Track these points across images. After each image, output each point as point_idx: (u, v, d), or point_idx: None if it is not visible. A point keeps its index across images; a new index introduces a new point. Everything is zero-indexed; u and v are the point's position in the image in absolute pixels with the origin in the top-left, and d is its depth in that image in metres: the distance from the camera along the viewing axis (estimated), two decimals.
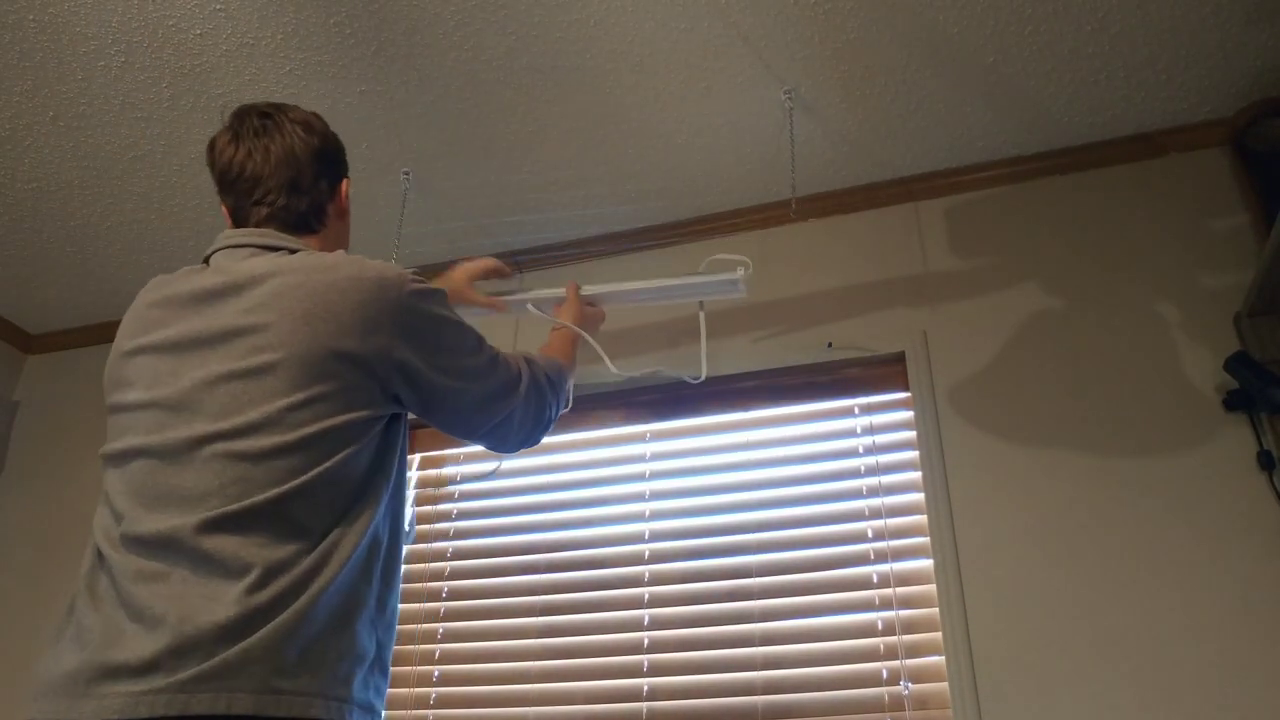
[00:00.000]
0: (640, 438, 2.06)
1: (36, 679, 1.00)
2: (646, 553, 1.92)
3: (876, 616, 1.71)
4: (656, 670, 1.80)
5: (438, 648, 1.98)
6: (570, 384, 1.50)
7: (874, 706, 1.65)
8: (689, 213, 2.19)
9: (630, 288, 1.77)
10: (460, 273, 1.72)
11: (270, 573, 0.97)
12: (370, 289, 1.10)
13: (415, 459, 2.23)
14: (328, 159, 1.27)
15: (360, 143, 1.97)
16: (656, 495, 1.98)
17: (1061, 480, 1.70)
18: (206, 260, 1.20)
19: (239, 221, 1.23)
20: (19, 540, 2.40)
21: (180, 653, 0.92)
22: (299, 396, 1.03)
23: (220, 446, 1.01)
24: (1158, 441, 1.68)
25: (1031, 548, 1.67)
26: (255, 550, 0.97)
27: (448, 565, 2.07)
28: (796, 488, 1.88)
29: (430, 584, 2.05)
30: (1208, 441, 1.66)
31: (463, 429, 1.26)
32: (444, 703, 1.91)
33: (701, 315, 1.82)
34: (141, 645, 0.94)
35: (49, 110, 1.89)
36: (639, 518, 1.96)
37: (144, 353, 1.12)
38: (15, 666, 2.24)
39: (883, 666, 1.67)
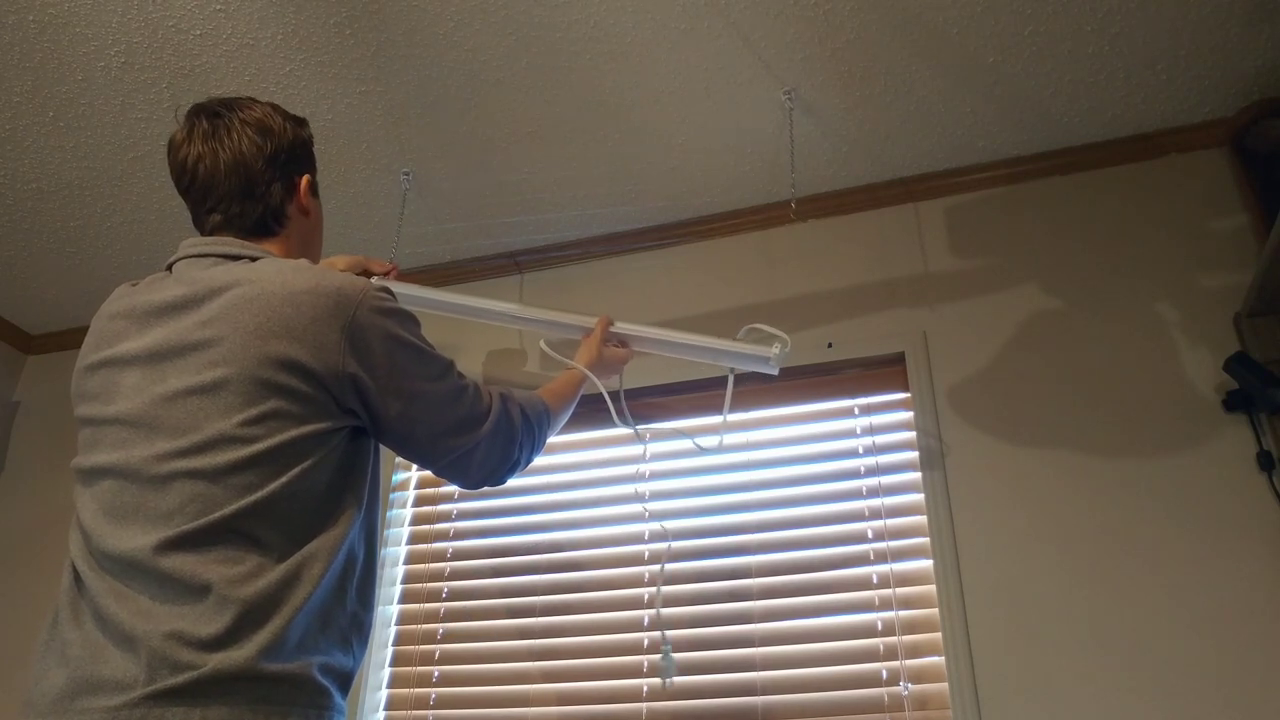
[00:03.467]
0: (640, 437, 2.06)
1: (26, 694, 1.01)
2: (646, 553, 1.92)
3: (876, 617, 1.71)
4: (657, 670, 1.80)
5: (438, 648, 1.98)
6: (552, 428, 1.45)
7: (874, 707, 1.65)
8: (689, 213, 2.19)
9: (663, 337, 1.70)
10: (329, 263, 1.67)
11: (230, 588, 0.97)
12: (327, 303, 1.07)
13: None
14: (281, 159, 1.23)
15: (360, 143, 1.97)
16: (656, 496, 1.98)
17: (1061, 480, 1.70)
18: (170, 268, 1.18)
19: (198, 226, 1.23)
20: (19, 540, 2.40)
21: (153, 666, 0.93)
22: (253, 412, 1.02)
23: (180, 464, 1.01)
24: (1158, 441, 1.68)
25: (1031, 548, 1.67)
26: (213, 568, 0.97)
27: (448, 565, 2.07)
28: (796, 488, 1.88)
29: (430, 584, 2.05)
30: (1208, 441, 1.66)
31: (417, 456, 1.22)
32: (444, 703, 1.91)
33: (730, 380, 1.70)
34: (119, 661, 0.95)
35: (49, 110, 1.89)
36: (638, 518, 1.96)
37: (106, 366, 1.11)
38: (15, 666, 2.24)
39: (882, 667, 1.67)
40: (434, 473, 1.26)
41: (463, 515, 2.12)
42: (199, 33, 1.73)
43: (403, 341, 1.14)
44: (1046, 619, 1.61)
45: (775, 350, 1.63)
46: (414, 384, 1.15)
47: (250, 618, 0.96)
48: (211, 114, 1.22)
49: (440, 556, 2.08)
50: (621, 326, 1.72)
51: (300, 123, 1.30)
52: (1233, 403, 1.65)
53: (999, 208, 2.00)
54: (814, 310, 2.02)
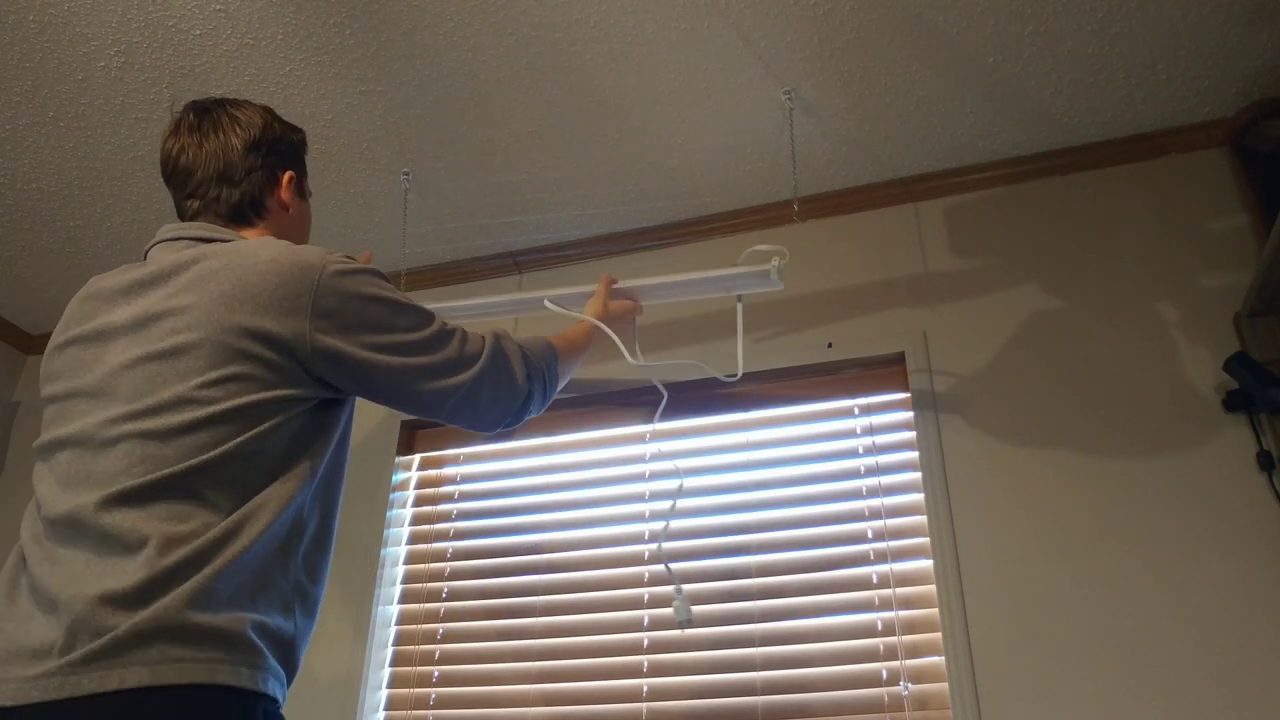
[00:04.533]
0: (640, 438, 2.06)
1: None
2: (646, 553, 1.92)
3: (876, 617, 1.71)
4: (656, 670, 1.80)
5: (438, 648, 1.98)
6: (563, 368, 1.46)
7: (874, 707, 1.65)
8: (689, 213, 2.19)
9: (663, 281, 1.75)
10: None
11: (169, 545, 0.95)
12: (290, 270, 1.08)
13: (415, 459, 2.23)
14: (263, 149, 1.25)
15: (360, 143, 1.97)
16: (656, 496, 1.98)
17: (1061, 480, 1.70)
18: (146, 255, 1.19)
19: (180, 215, 1.25)
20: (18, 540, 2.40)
21: (71, 633, 0.91)
22: (213, 375, 1.02)
23: (131, 426, 1.01)
24: (1158, 441, 1.68)
25: (1031, 548, 1.67)
26: (155, 524, 0.96)
27: (448, 565, 2.07)
28: (796, 488, 1.88)
29: (430, 584, 2.05)
30: (1208, 441, 1.66)
31: (416, 406, 1.21)
32: (444, 703, 1.91)
33: (739, 309, 1.76)
34: (42, 630, 0.93)
35: (49, 110, 1.89)
36: (639, 518, 1.96)
37: (72, 344, 1.12)
38: None
39: (882, 667, 1.67)
40: (443, 420, 1.27)
41: (463, 515, 2.12)
42: (199, 33, 1.73)
43: (373, 297, 1.14)
44: (1046, 619, 1.61)
45: (774, 263, 1.67)
46: (394, 336, 1.15)
47: (181, 570, 0.94)
48: (200, 109, 1.26)
49: (440, 556, 2.08)
50: (624, 283, 1.76)
51: (292, 128, 1.33)
52: (1233, 403, 1.65)
53: (999, 208, 2.00)
54: (814, 310, 2.02)
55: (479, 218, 2.21)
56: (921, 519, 1.77)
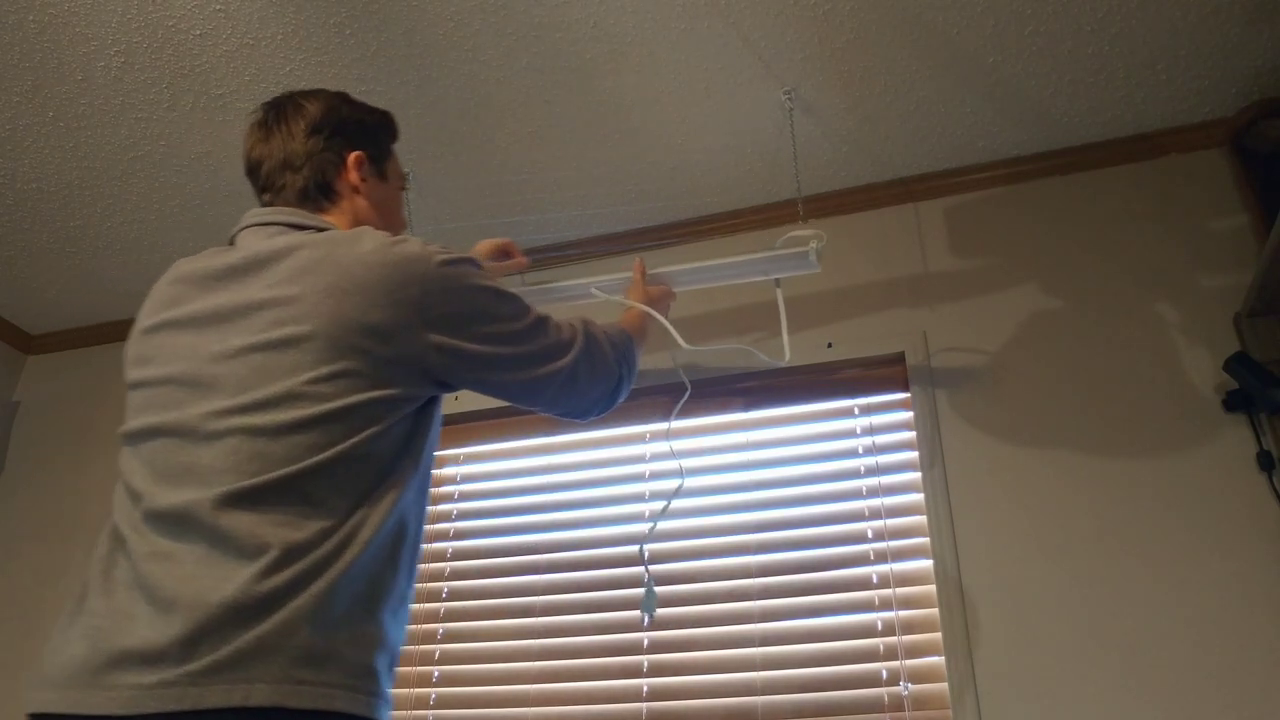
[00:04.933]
0: (640, 438, 2.06)
1: (39, 667, 0.96)
2: (647, 553, 1.92)
3: (876, 617, 1.71)
4: (656, 670, 1.80)
5: (438, 648, 1.98)
6: (639, 353, 1.45)
7: (874, 707, 1.65)
8: (689, 213, 2.19)
9: (699, 266, 1.73)
10: (474, 252, 1.68)
11: (290, 554, 0.92)
12: (398, 263, 1.05)
13: None
14: (324, 132, 1.23)
15: None
16: (656, 496, 1.98)
17: (1061, 480, 1.70)
18: (232, 241, 1.17)
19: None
20: (19, 540, 2.40)
21: (192, 640, 0.87)
22: (324, 370, 0.99)
23: (238, 421, 0.97)
24: (1158, 441, 1.68)
25: (1031, 548, 1.67)
26: (272, 529, 0.92)
27: (448, 565, 2.07)
28: (796, 488, 1.88)
29: (430, 584, 2.05)
30: (1208, 441, 1.66)
31: (523, 396, 1.21)
32: (444, 703, 1.91)
33: (779, 293, 1.74)
34: (152, 631, 0.89)
35: (49, 110, 1.89)
36: (639, 518, 1.96)
37: (163, 329, 1.09)
38: (16, 666, 2.24)
39: (882, 667, 1.67)
40: (543, 407, 1.26)
41: (463, 515, 2.12)
42: (199, 33, 1.73)
43: (479, 287, 1.13)
44: (1046, 619, 1.61)
45: (813, 245, 1.66)
46: (499, 325, 1.14)
47: (301, 581, 0.91)
48: (270, 104, 1.27)
49: (440, 556, 2.08)
50: (659, 269, 1.75)
51: (367, 109, 1.31)
52: (1233, 403, 1.65)
53: (999, 208, 2.00)
54: (814, 310, 2.02)
55: (479, 218, 2.21)
56: (921, 519, 1.77)
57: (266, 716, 0.86)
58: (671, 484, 1.97)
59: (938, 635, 1.66)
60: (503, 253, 1.71)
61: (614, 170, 2.05)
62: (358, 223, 1.23)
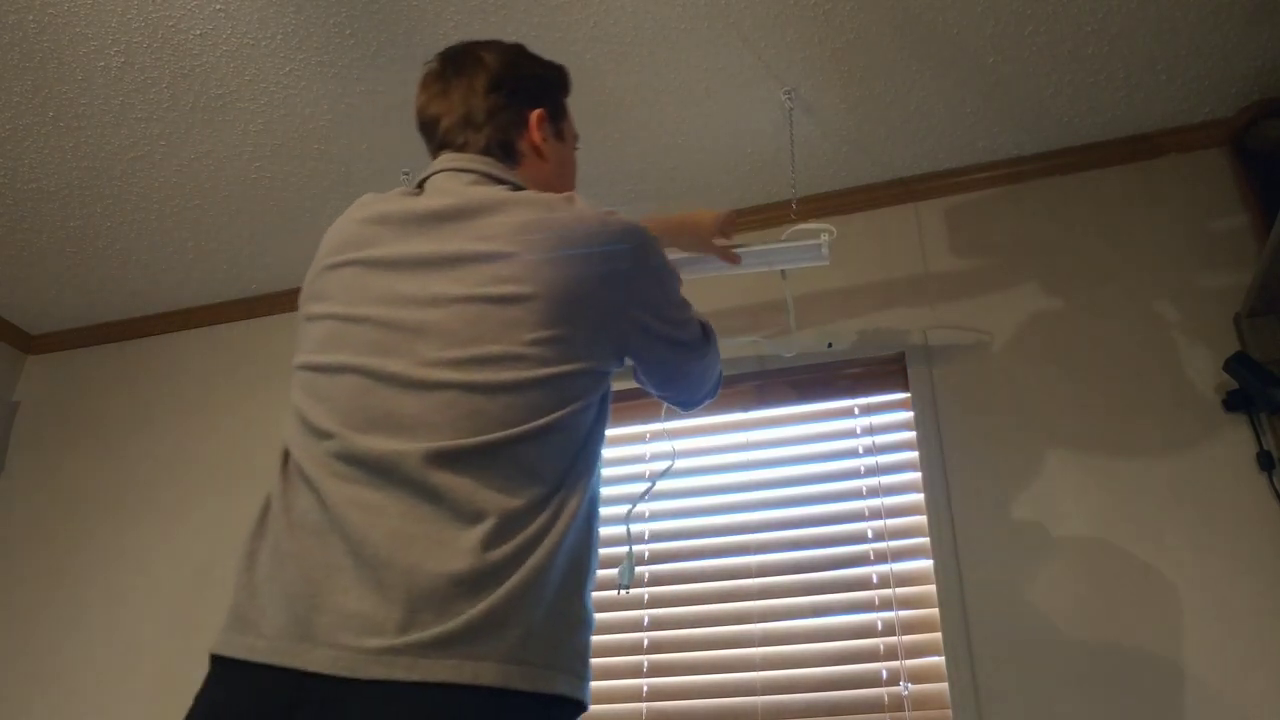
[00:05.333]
0: (640, 438, 2.06)
1: (236, 611, 0.91)
2: (646, 553, 1.92)
3: (876, 617, 1.71)
4: (656, 670, 1.80)
5: None
6: None
7: (873, 707, 1.65)
8: None
9: (707, 256, 1.72)
10: (709, 221, 1.61)
11: (507, 523, 0.88)
12: (615, 236, 1.03)
13: None
14: (506, 90, 1.17)
15: (360, 143, 1.97)
16: (656, 496, 1.98)
17: (1061, 480, 1.70)
18: (420, 185, 1.13)
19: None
20: (19, 540, 2.40)
21: (413, 607, 0.83)
22: (542, 334, 0.96)
23: (455, 375, 0.93)
24: (1158, 442, 1.68)
25: (1031, 548, 1.67)
26: (490, 495, 0.88)
27: None
28: (796, 488, 1.88)
29: None
30: (1208, 441, 1.66)
31: (668, 378, 1.19)
32: None
33: (786, 286, 1.74)
34: (366, 590, 0.85)
35: (49, 110, 1.89)
36: (640, 518, 1.96)
37: (353, 266, 1.04)
38: (16, 666, 2.24)
39: (882, 667, 1.67)
40: (673, 393, 1.24)
41: None
42: (199, 33, 1.73)
43: (670, 270, 1.12)
44: (1046, 619, 1.61)
45: (824, 239, 1.65)
46: (680, 311, 1.14)
47: (520, 555, 0.87)
48: (447, 55, 1.21)
49: None
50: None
51: (546, 64, 1.25)
52: (1233, 403, 1.65)
53: (999, 208, 2.00)
54: (814, 310, 2.02)
55: None
56: (921, 519, 1.76)
57: (493, 697, 0.83)
58: (673, 484, 1.97)
59: (938, 635, 1.66)
60: (729, 224, 1.66)
61: (614, 170, 2.05)
62: (539, 185, 1.17)
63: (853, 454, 1.87)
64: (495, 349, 0.94)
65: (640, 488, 2.00)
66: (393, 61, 1.78)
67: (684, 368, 1.19)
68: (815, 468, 1.89)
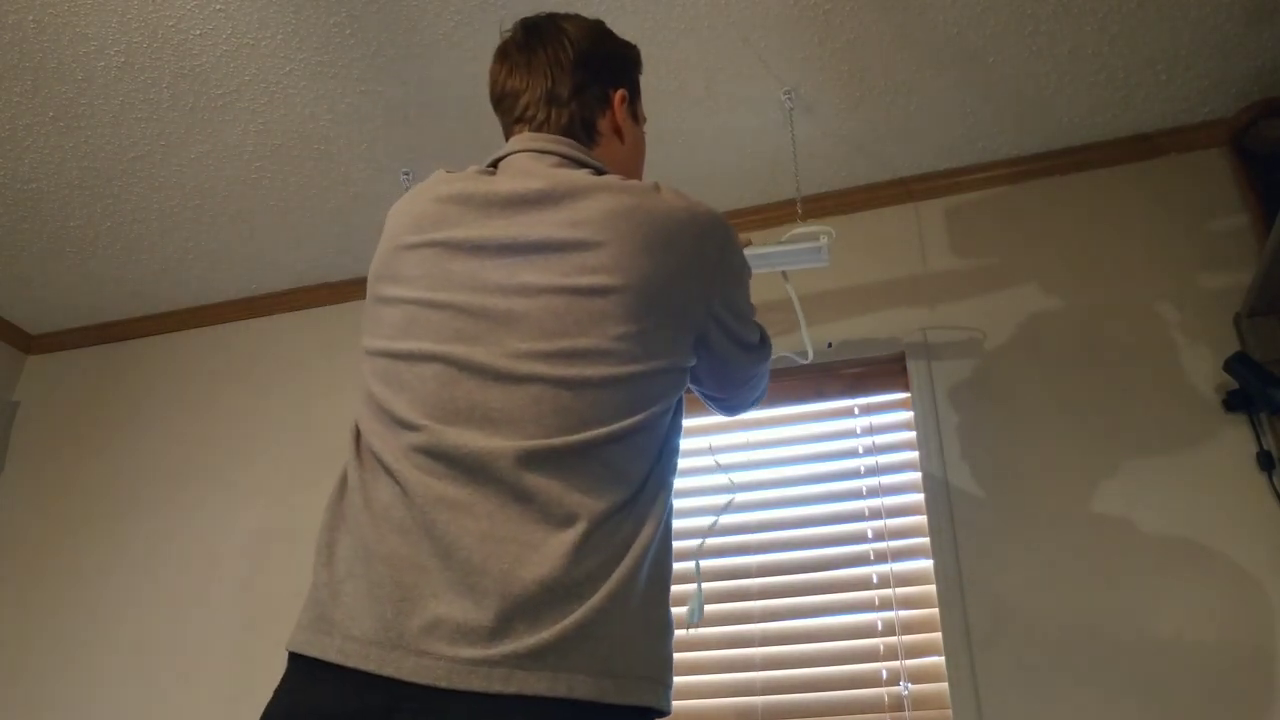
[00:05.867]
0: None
1: (317, 607, 0.88)
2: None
3: (876, 617, 1.71)
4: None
5: None
6: None
7: (873, 707, 1.64)
8: None
9: None
10: None
11: (596, 528, 0.86)
12: (705, 227, 1.00)
13: None
14: (591, 66, 1.13)
15: (360, 143, 1.97)
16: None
17: (1061, 481, 1.70)
18: (495, 164, 1.09)
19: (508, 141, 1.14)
20: (19, 540, 2.40)
21: (505, 616, 0.81)
22: (632, 328, 0.93)
23: (543, 368, 0.90)
24: (1158, 441, 1.68)
25: (1031, 548, 1.67)
26: (579, 498, 0.86)
27: None
28: (796, 488, 1.88)
29: None
30: (1208, 441, 1.66)
31: (731, 381, 1.15)
32: None
33: (790, 286, 1.73)
34: (457, 595, 0.83)
35: (49, 110, 1.89)
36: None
37: (433, 247, 1.00)
38: (16, 666, 2.24)
39: (882, 667, 1.67)
40: (726, 397, 1.20)
41: None
42: (199, 33, 1.73)
43: (747, 267, 1.10)
44: (1046, 618, 1.61)
45: (823, 241, 1.64)
46: (748, 311, 1.11)
47: (611, 561, 0.86)
48: (529, 25, 1.16)
49: None
50: None
51: (625, 43, 1.22)
52: (1233, 403, 1.65)
53: (999, 207, 2.00)
54: (814, 310, 2.02)
55: None
56: (921, 519, 1.76)
57: (586, 710, 0.82)
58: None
59: (938, 635, 1.66)
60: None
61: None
62: (615, 167, 1.14)
63: (853, 454, 1.87)
64: (583, 342, 0.91)
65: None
66: (393, 61, 1.78)
67: (745, 371, 1.16)
68: (815, 468, 1.89)
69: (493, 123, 1.91)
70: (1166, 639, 1.54)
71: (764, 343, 1.20)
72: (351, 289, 2.41)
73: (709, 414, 2.04)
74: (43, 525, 2.40)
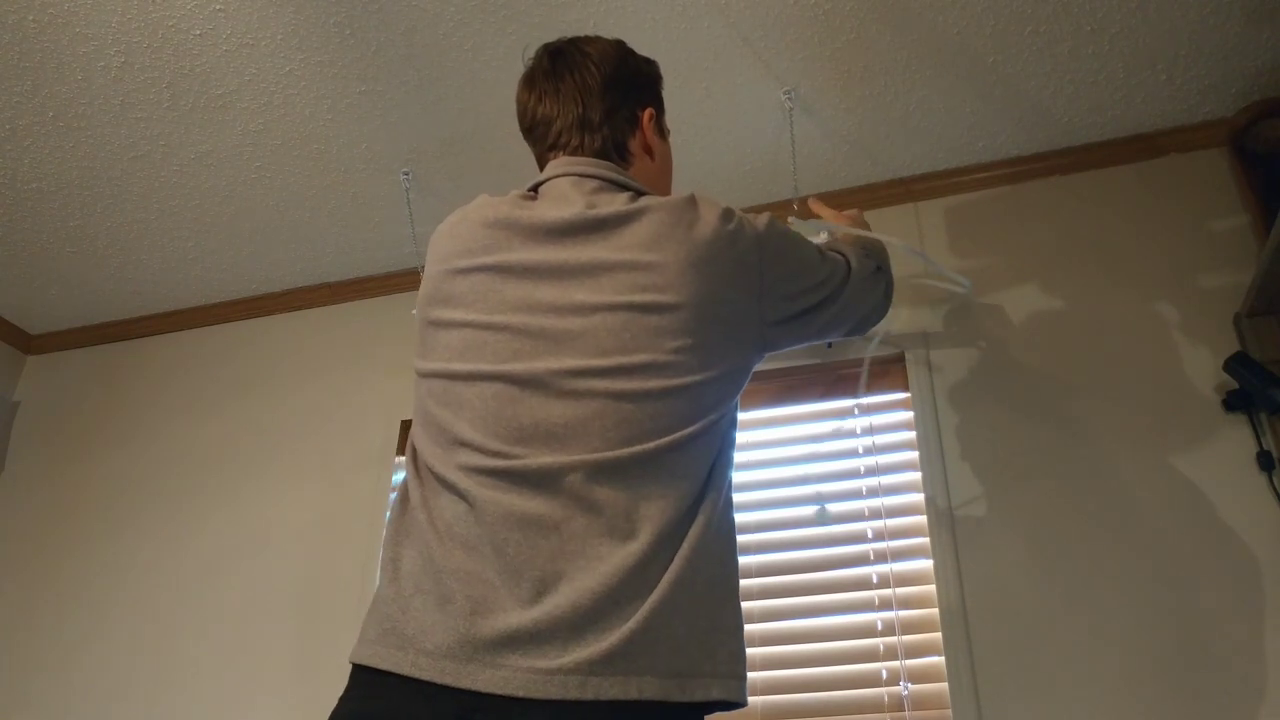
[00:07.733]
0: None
1: (385, 621, 0.91)
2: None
3: (876, 617, 1.71)
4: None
5: None
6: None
7: (873, 707, 1.65)
8: None
9: None
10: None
11: (661, 536, 0.89)
12: (734, 233, 1.04)
13: None
14: (620, 88, 1.16)
15: (360, 143, 1.97)
16: None
17: (1061, 481, 1.70)
18: (535, 189, 1.12)
19: (542, 169, 1.18)
20: (19, 540, 2.40)
21: (575, 626, 0.85)
22: (689, 341, 0.97)
23: (603, 384, 0.93)
24: (1158, 441, 1.68)
25: (1031, 548, 1.67)
26: (643, 508, 0.89)
27: None
28: (796, 488, 1.88)
29: None
30: (1208, 441, 1.66)
31: (844, 321, 1.23)
32: None
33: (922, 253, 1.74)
34: (528, 607, 0.86)
35: (49, 110, 1.89)
36: None
37: (483, 271, 1.03)
38: (16, 666, 2.24)
39: (882, 667, 1.67)
40: (838, 337, 1.29)
41: None
42: (199, 33, 1.73)
43: (795, 241, 1.13)
44: (1046, 618, 1.61)
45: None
46: (813, 277, 1.15)
47: (674, 568, 0.89)
48: (553, 52, 1.19)
49: None
50: None
51: (646, 60, 1.24)
52: (1233, 403, 1.65)
53: (999, 208, 2.00)
54: None
55: None
56: (921, 519, 1.76)
57: (654, 711, 0.85)
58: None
59: (938, 635, 1.66)
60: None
61: None
62: (648, 184, 1.17)
63: (853, 454, 1.87)
64: (641, 357, 0.95)
65: None
66: (392, 61, 1.78)
67: (845, 311, 1.21)
68: (815, 468, 1.89)
69: (493, 122, 1.92)
70: (1166, 639, 1.54)
71: (845, 271, 1.24)
72: (351, 289, 2.41)
73: None
74: (43, 525, 2.40)
